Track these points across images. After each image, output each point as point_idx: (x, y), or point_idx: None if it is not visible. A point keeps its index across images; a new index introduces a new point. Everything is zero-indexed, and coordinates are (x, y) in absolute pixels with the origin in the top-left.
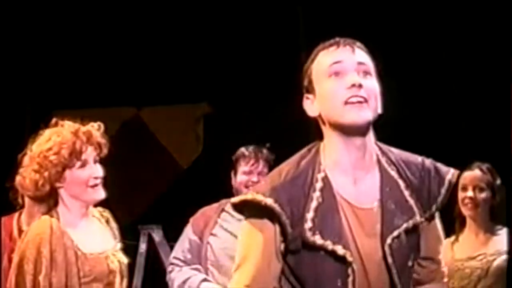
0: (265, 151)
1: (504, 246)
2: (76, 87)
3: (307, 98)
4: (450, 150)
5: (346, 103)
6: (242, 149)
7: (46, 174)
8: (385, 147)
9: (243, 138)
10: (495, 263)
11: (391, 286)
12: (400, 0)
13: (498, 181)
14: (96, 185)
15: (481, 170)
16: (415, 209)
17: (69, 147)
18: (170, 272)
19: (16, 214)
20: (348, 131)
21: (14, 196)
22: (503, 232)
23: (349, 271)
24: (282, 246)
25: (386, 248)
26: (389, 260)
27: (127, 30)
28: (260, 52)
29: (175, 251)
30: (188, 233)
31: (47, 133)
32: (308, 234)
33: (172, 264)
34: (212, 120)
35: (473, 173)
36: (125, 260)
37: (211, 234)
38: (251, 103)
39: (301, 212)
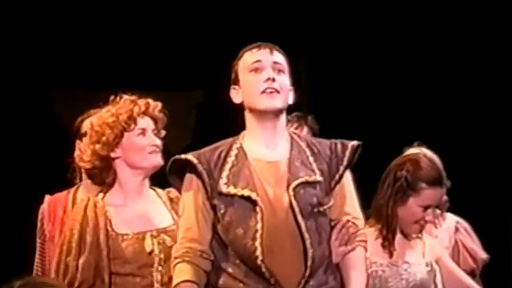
0: (309, 117)
1: None
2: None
3: (234, 88)
4: None
5: (262, 92)
6: None
7: (104, 139)
8: (297, 133)
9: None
10: None
11: (296, 224)
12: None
13: None
14: (154, 151)
15: None
16: (316, 170)
17: (127, 112)
18: None
19: (73, 189)
20: (262, 115)
21: (73, 176)
22: None
23: (257, 209)
24: (207, 199)
25: (291, 192)
26: (293, 202)
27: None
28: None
29: None
30: None
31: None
32: (223, 187)
33: None
34: (204, 109)
35: None
36: (170, 242)
37: None
38: None
39: (218, 171)
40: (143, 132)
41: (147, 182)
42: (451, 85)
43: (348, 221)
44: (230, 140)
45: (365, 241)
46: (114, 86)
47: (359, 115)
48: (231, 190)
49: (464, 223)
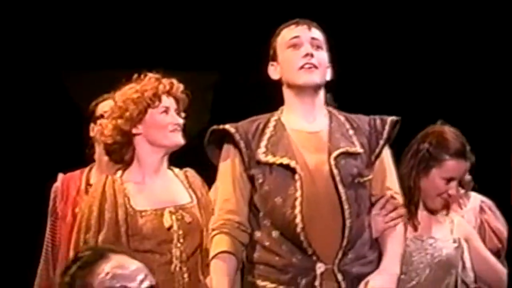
0: (328, 95)
1: None
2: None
3: (272, 65)
4: None
5: (300, 68)
6: None
7: (127, 114)
8: (336, 110)
9: (252, 108)
10: None
11: (336, 193)
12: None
13: None
14: (176, 130)
15: None
16: (357, 143)
17: (152, 89)
18: None
19: (87, 169)
20: (300, 90)
21: (90, 152)
22: None
23: (297, 177)
24: (244, 170)
25: (332, 161)
26: (334, 171)
27: None
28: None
29: None
30: None
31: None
32: (262, 156)
33: None
34: (221, 89)
35: None
36: (188, 218)
37: None
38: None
39: (257, 142)
40: (167, 110)
41: (165, 161)
42: (476, 66)
43: (391, 196)
44: (267, 114)
45: (405, 216)
46: (128, 67)
47: (377, 94)
48: (270, 158)
49: (488, 202)
